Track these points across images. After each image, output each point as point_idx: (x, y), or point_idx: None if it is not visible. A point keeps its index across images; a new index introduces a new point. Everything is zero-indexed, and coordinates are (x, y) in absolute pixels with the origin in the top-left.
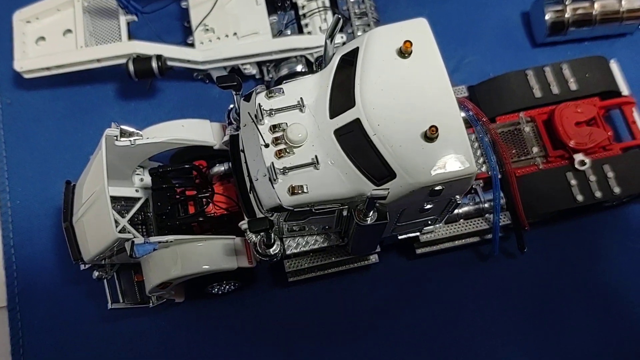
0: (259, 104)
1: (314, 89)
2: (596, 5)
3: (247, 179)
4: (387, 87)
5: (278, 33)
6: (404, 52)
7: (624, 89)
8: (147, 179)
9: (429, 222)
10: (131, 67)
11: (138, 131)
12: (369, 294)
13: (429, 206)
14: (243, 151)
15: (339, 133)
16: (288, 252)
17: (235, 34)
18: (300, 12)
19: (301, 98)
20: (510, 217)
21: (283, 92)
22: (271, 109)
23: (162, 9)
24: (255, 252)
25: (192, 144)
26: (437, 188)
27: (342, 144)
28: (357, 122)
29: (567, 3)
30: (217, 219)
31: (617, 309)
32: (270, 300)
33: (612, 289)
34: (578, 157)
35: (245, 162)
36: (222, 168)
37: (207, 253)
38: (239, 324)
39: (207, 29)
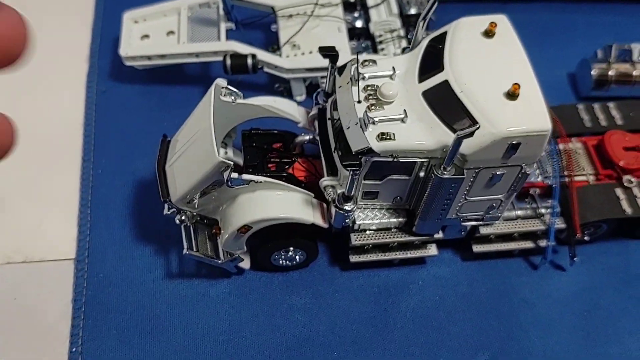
0: (355, 67)
1: (403, 63)
2: (637, 66)
3: (332, 141)
4: (473, 57)
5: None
6: (489, 32)
7: None
8: (230, 153)
9: (494, 205)
10: (228, 62)
11: (239, 92)
12: (421, 290)
13: (501, 172)
14: (331, 119)
15: (427, 94)
16: (358, 222)
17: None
18: (377, 40)
19: (392, 67)
20: (564, 222)
21: (376, 63)
22: (365, 74)
23: (257, 21)
24: (333, 207)
25: (282, 116)
26: (514, 142)
27: (429, 103)
28: (446, 83)
29: (610, 61)
30: (297, 182)
31: None
32: (330, 282)
33: None
34: (626, 177)
35: (333, 126)
36: (307, 137)
37: (288, 202)
38: (296, 302)
39: (294, 45)
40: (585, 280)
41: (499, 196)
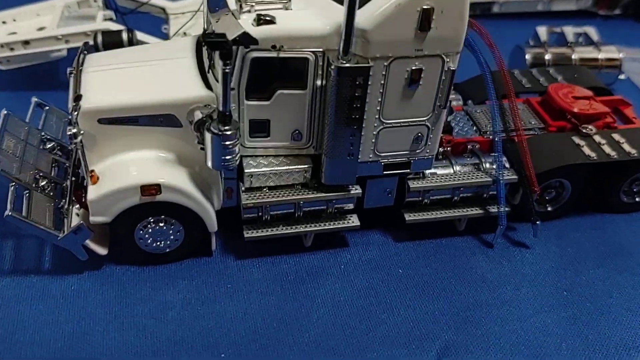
0: None
1: None
2: (576, 49)
3: (205, 60)
4: None
5: None
6: None
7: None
8: None
9: (420, 136)
10: (99, 38)
11: None
12: (344, 275)
13: (417, 65)
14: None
15: None
16: (248, 171)
17: None
18: None
19: None
20: (516, 172)
21: None
22: None
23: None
24: (206, 132)
25: None
26: (425, 6)
27: None
28: None
29: (546, 45)
30: None
31: None
32: (221, 273)
33: None
34: (585, 126)
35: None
36: None
37: None
38: (171, 297)
39: (185, 34)
40: (556, 258)
41: (423, 118)
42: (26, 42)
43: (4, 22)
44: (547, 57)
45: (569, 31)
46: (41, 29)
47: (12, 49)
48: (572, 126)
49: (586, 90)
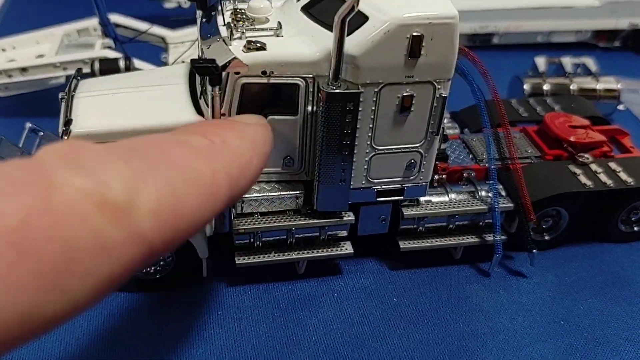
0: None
1: None
2: (574, 80)
3: (198, 86)
4: None
5: None
6: None
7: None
8: None
9: (413, 162)
10: (97, 66)
11: None
12: (337, 304)
13: (409, 92)
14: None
15: (306, 7)
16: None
17: None
18: None
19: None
20: (512, 200)
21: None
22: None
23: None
24: None
25: None
26: (415, 33)
27: (309, 14)
28: None
29: (544, 76)
30: None
31: None
32: (211, 299)
33: None
34: (581, 155)
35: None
36: None
37: None
38: (150, 327)
39: (183, 62)
40: (554, 287)
41: (416, 145)
42: (24, 69)
43: (3, 50)
44: (546, 87)
45: (567, 62)
46: (40, 56)
47: (10, 76)
48: (568, 155)
49: (583, 119)
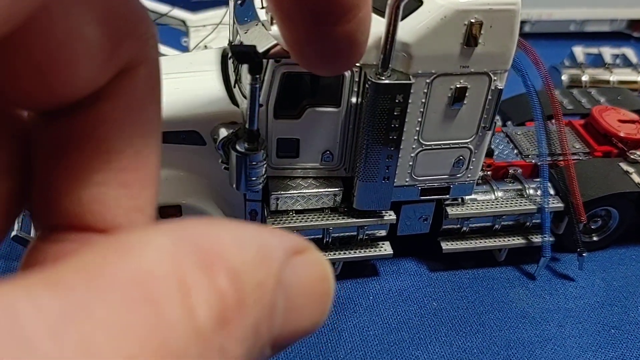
0: None
1: None
2: (614, 71)
3: (231, 75)
4: None
5: None
6: None
7: None
8: None
9: (461, 159)
10: None
11: None
12: (373, 307)
13: (462, 84)
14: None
15: None
16: (273, 193)
17: None
18: None
19: None
20: (561, 199)
21: None
22: None
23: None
24: (232, 152)
25: None
26: (474, 20)
27: None
28: None
29: (583, 66)
30: None
31: None
32: None
33: None
34: (633, 151)
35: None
36: None
37: None
38: None
39: (205, 47)
40: (602, 292)
41: (466, 140)
42: None
43: None
44: (584, 78)
45: (607, 52)
46: None
47: None
48: (618, 151)
49: (632, 113)
